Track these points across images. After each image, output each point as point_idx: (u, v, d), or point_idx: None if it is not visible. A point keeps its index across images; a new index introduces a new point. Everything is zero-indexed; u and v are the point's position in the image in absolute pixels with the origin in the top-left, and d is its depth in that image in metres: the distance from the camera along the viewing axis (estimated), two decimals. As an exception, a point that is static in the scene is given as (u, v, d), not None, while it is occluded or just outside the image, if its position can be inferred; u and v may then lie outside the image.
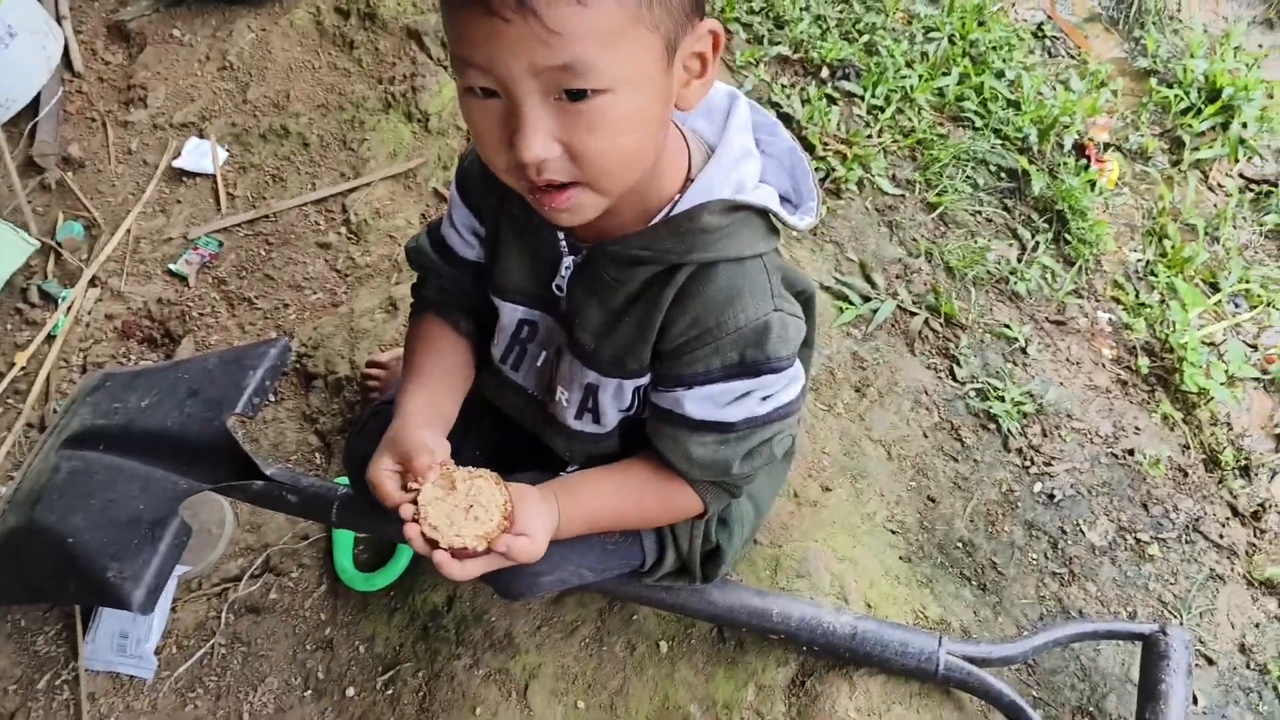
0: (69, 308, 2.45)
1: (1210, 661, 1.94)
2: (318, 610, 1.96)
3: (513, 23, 0.89)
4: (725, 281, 1.18)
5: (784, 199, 1.27)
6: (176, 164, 2.72)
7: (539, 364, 1.42)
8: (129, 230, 2.60)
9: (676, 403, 1.28)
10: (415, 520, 1.17)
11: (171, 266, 2.52)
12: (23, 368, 2.36)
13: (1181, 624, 1.97)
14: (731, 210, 1.16)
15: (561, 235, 1.26)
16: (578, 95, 0.95)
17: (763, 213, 1.20)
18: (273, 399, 2.24)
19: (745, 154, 1.20)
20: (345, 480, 2.04)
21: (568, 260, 1.27)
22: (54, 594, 1.84)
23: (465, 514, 1.18)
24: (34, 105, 2.86)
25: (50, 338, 2.40)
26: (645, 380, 1.32)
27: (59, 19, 3.06)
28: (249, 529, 2.07)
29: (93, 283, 2.51)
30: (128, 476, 1.74)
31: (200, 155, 2.73)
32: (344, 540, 1.99)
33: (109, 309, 2.45)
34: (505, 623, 1.86)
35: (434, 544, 1.17)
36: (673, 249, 1.17)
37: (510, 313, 1.39)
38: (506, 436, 1.59)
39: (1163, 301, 2.48)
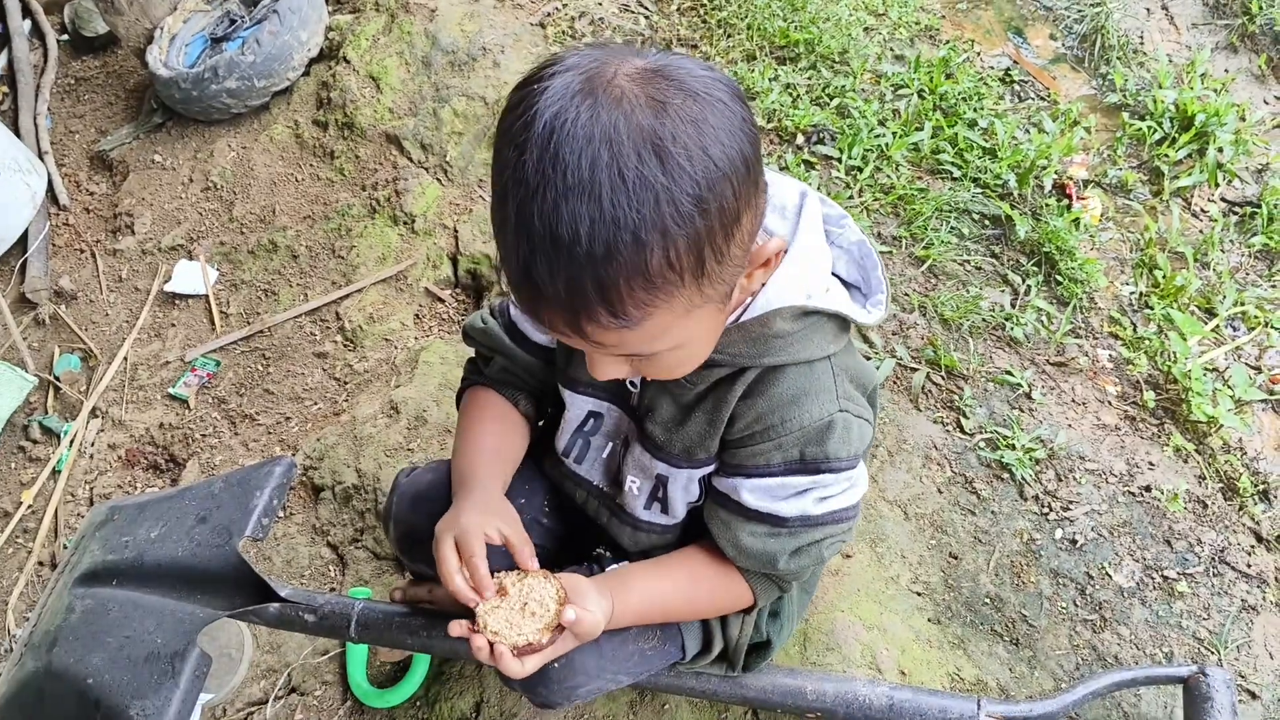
0: (71, 441, 2.44)
1: (1254, 695, 1.91)
2: (344, 728, 1.93)
3: (575, 340, 1.00)
4: (792, 382, 1.20)
5: (854, 287, 1.29)
6: (168, 288, 2.74)
7: (604, 455, 1.43)
8: (126, 358, 2.61)
9: (734, 489, 1.29)
10: (476, 631, 1.20)
11: (171, 390, 2.52)
12: (30, 505, 2.34)
13: (1220, 660, 1.94)
14: (803, 315, 1.18)
15: None
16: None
17: (834, 314, 1.21)
18: (282, 515, 2.23)
19: (817, 254, 1.22)
20: (362, 593, 2.02)
21: None
22: (77, 738, 1.81)
23: (522, 612, 1.21)
24: (22, 242, 2.89)
25: (55, 472, 2.40)
26: (712, 468, 1.33)
27: (41, 154, 3.10)
28: (269, 649, 2.04)
29: (93, 414, 2.51)
30: (143, 611, 1.73)
31: (191, 277, 2.75)
32: (357, 655, 1.97)
33: (112, 438, 2.45)
34: (536, 725, 1.83)
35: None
36: (745, 354, 1.19)
37: (579, 404, 1.40)
38: (565, 526, 1.59)
39: (1160, 332, 2.48)
